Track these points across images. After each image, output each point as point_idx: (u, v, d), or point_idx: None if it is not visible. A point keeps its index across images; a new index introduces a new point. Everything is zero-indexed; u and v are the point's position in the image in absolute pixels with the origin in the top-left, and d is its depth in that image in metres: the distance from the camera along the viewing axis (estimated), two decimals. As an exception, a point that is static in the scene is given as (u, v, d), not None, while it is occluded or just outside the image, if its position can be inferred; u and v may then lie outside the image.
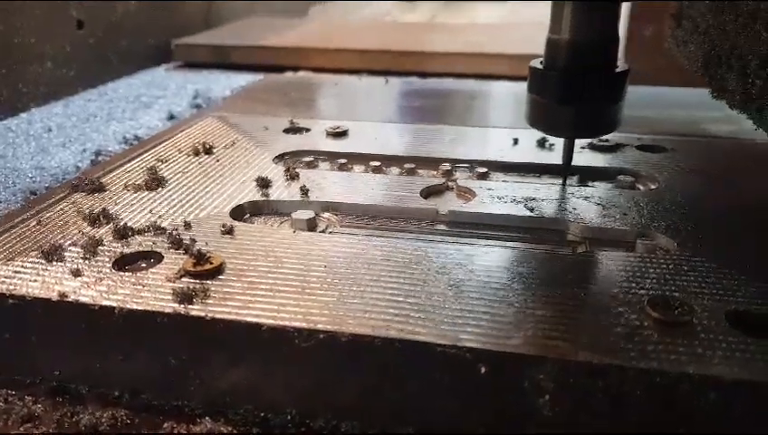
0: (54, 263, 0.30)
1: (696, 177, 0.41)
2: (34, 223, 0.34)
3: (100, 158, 0.54)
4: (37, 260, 0.30)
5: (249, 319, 0.26)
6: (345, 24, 1.04)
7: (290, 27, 1.03)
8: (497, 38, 0.95)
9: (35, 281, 0.28)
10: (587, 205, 0.37)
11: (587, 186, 0.41)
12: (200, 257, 0.29)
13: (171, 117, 0.66)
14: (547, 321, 0.26)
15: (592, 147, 0.46)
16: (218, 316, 0.26)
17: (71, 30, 0.72)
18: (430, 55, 0.85)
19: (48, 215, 0.35)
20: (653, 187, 0.40)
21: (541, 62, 0.37)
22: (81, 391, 0.28)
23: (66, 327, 0.27)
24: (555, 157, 0.45)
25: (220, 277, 0.29)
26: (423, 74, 0.85)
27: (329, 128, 0.50)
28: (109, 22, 0.79)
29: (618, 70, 0.36)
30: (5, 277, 0.29)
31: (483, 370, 0.24)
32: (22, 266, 0.29)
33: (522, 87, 0.40)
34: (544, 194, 0.38)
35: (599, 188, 0.40)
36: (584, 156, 0.45)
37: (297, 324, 0.25)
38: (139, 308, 0.26)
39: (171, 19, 0.92)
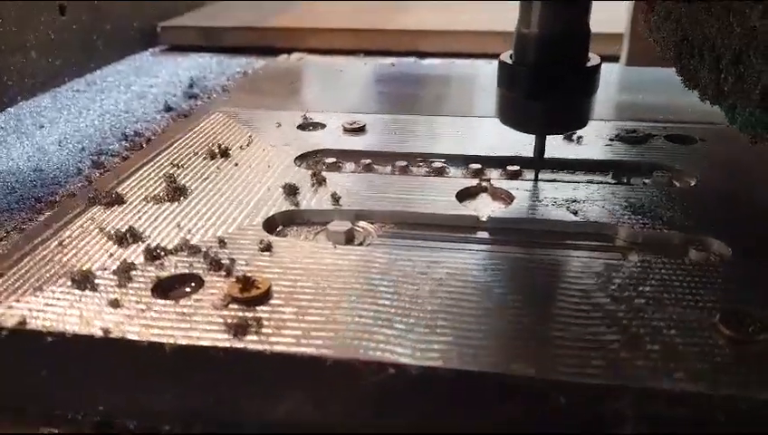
0: (87, 291, 0.28)
1: (733, 170, 0.40)
2: (56, 244, 0.32)
3: (102, 158, 0.51)
4: (68, 289, 0.28)
5: (311, 351, 0.24)
6: (337, 3, 1.01)
7: (279, 7, 0.99)
8: (499, 15, 0.92)
9: (72, 314, 0.26)
10: (629, 206, 0.36)
11: (623, 183, 0.40)
12: (246, 282, 0.28)
13: (168, 108, 0.63)
14: (619, 343, 0.25)
15: (621, 138, 0.45)
16: (277, 349, 0.24)
17: (54, 16, 0.68)
18: (430, 34, 0.83)
19: (69, 234, 0.32)
20: (692, 183, 0.39)
21: (510, 56, 0.36)
22: (129, 425, 0.26)
23: (110, 363, 0.26)
24: (585, 151, 0.44)
25: (269, 303, 0.27)
26: (422, 54, 0.83)
27: (345, 123, 0.48)
28: (91, 5, 0.75)
29: (589, 64, 0.35)
30: (38, 310, 0.27)
31: (562, 400, 0.23)
32: (53, 297, 0.27)
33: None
34: (584, 194, 0.37)
35: (637, 187, 0.39)
36: (614, 149, 0.44)
37: (364, 356, 0.24)
38: (191, 343, 0.25)
39: (154, 1, 0.88)
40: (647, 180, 0.41)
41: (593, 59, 0.35)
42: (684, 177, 0.41)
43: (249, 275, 0.28)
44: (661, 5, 0.40)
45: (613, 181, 0.40)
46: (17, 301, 0.27)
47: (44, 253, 0.31)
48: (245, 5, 1.01)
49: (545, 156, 0.38)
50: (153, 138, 0.56)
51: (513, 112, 0.37)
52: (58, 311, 0.27)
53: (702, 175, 0.40)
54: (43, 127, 0.59)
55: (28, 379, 0.26)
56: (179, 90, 0.69)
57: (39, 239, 0.32)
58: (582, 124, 0.37)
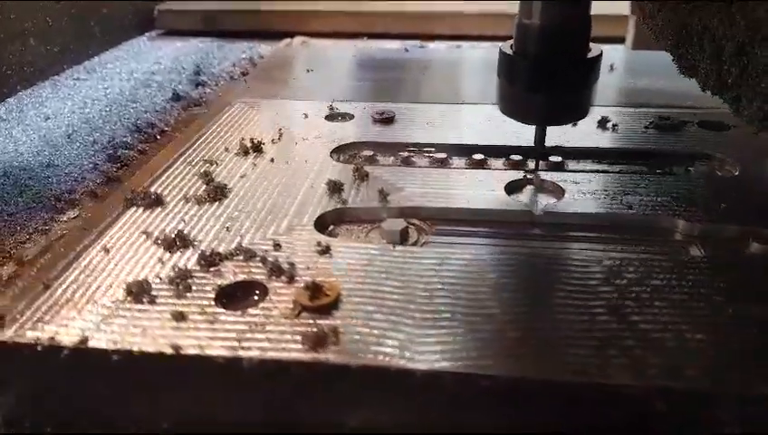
0: (146, 303, 0.26)
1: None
2: (100, 250, 0.30)
3: (118, 152, 0.49)
4: (125, 301, 0.26)
5: (398, 363, 0.23)
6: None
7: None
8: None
9: (135, 330, 0.25)
10: (681, 198, 0.35)
11: (667, 173, 0.39)
12: (315, 288, 0.26)
13: (177, 97, 0.61)
14: (712, 347, 0.24)
15: (656, 126, 0.44)
16: (361, 363, 0.23)
17: (50, 2, 0.65)
18: (436, 16, 0.81)
19: (112, 239, 0.31)
20: (735, 172, 0.39)
21: (511, 46, 0.35)
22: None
23: (180, 380, 0.24)
24: (620, 139, 0.43)
25: (341, 310, 0.26)
26: (428, 37, 0.81)
27: (374, 113, 0.46)
28: (88, -11, 0.72)
29: (590, 55, 0.34)
30: (97, 325, 0.25)
31: (659, 407, 0.23)
32: (110, 310, 0.26)
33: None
34: (633, 186, 0.36)
35: (681, 177, 0.38)
36: (650, 136, 0.43)
37: (450, 367, 0.23)
38: (270, 357, 0.24)
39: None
40: (690, 168, 0.40)
41: (594, 49, 0.35)
42: (725, 165, 0.40)
43: (316, 280, 0.27)
44: None
45: (657, 171, 0.40)
46: (71, 316, 0.26)
47: (90, 260, 0.29)
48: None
49: (548, 142, 0.37)
50: (166, 129, 0.54)
51: (513, 103, 0.36)
52: (119, 326, 0.25)
53: (743, 164, 0.39)
54: (48, 118, 0.56)
55: (92, 400, 0.25)
56: (184, 77, 0.67)
57: (81, 245, 0.30)
58: (583, 115, 0.36)
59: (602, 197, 0.35)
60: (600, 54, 0.34)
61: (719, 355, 0.24)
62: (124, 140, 0.52)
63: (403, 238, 0.32)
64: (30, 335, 0.24)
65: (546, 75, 0.34)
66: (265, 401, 0.24)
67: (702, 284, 0.28)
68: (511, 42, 0.35)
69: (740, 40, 0.30)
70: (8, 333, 0.24)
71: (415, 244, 0.32)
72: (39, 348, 0.24)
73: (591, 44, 0.35)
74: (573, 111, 0.36)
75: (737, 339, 0.24)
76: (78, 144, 0.51)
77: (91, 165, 0.48)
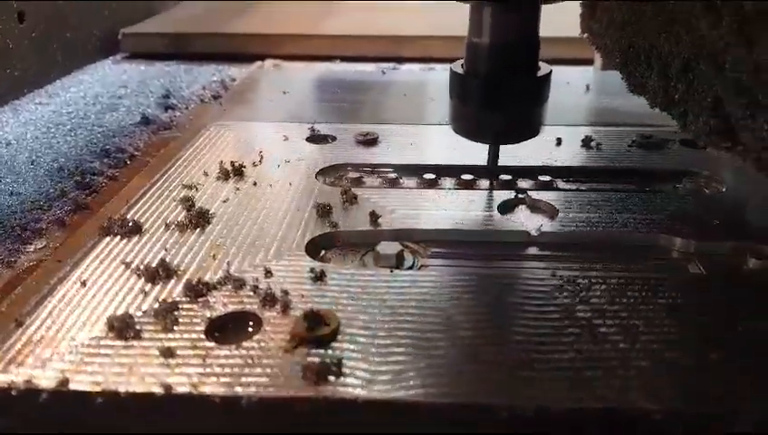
0: (130, 339, 0.24)
1: (756, 174, 0.40)
2: (75, 282, 0.28)
3: (87, 178, 0.46)
4: (108, 337, 0.24)
5: (407, 396, 0.22)
6: (305, 7, 0.98)
7: (243, 12, 0.95)
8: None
9: (120, 368, 0.23)
10: (672, 215, 0.35)
11: (657, 191, 0.39)
12: (314, 318, 0.25)
13: (147, 121, 0.58)
14: (726, 368, 0.23)
15: (638, 145, 0.44)
16: (370, 397, 0.22)
17: (12, 24, 0.63)
18: (407, 39, 0.81)
19: (88, 271, 0.29)
20: (722, 189, 0.39)
21: (462, 66, 0.35)
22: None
23: (173, 422, 0.22)
24: (604, 158, 0.43)
25: (341, 340, 0.24)
26: (399, 59, 0.81)
27: (357, 135, 0.45)
28: (51, 12, 0.69)
29: (540, 73, 0.35)
30: (77, 364, 0.23)
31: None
32: (93, 348, 0.24)
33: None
34: (624, 204, 0.36)
35: (669, 194, 0.38)
36: (635, 156, 0.43)
37: (466, 400, 0.22)
38: (271, 395, 0.22)
39: (113, 5, 0.83)
40: (678, 186, 0.40)
41: (543, 68, 0.35)
42: (712, 182, 0.40)
43: (315, 310, 0.25)
44: (603, 12, 0.39)
45: (645, 189, 0.39)
46: (49, 355, 0.23)
47: (66, 294, 0.27)
48: (208, 9, 0.97)
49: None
50: (137, 153, 0.51)
51: (466, 122, 0.36)
52: (102, 365, 0.23)
53: (729, 180, 0.39)
54: (9, 144, 0.53)
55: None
56: (152, 100, 0.65)
57: (55, 278, 0.28)
58: (535, 133, 0.36)
59: (597, 215, 0.35)
60: (550, 72, 0.35)
61: (735, 373, 0.23)
62: (92, 165, 0.49)
63: (399, 262, 0.31)
64: (2, 378, 0.22)
65: (496, 93, 0.34)
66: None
67: (707, 301, 0.27)
68: (461, 61, 0.35)
69: (685, 56, 0.31)
70: (-22, 377, 0.22)
71: (411, 267, 0.31)
72: (14, 392, 0.22)
73: (541, 63, 0.35)
74: (525, 129, 0.36)
75: (750, 356, 0.24)
76: (43, 170, 0.49)
77: (57, 192, 0.45)
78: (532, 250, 0.33)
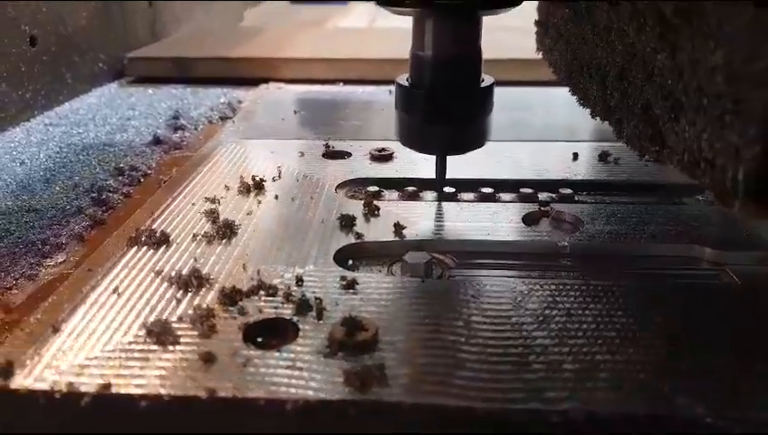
0: (169, 345, 0.24)
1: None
2: (108, 290, 0.28)
3: (103, 195, 0.46)
4: (146, 342, 0.24)
5: (455, 402, 0.22)
6: (305, 32, 0.99)
7: (247, 36, 0.96)
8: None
9: (160, 373, 0.23)
10: (699, 226, 0.35)
11: (680, 203, 0.40)
12: (352, 325, 0.25)
13: (158, 141, 0.59)
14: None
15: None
16: (415, 401, 0.22)
17: (24, 47, 0.63)
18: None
19: (123, 280, 0.29)
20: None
21: (407, 79, 0.36)
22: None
23: (216, 425, 0.22)
24: (623, 172, 0.43)
25: (380, 347, 0.24)
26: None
27: (373, 150, 0.45)
28: (61, 36, 0.70)
29: (483, 84, 0.36)
30: (117, 369, 0.23)
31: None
32: (131, 353, 0.24)
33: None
34: (650, 216, 0.36)
35: (693, 205, 0.39)
36: (652, 169, 0.43)
37: (511, 405, 0.22)
38: (316, 398, 0.22)
39: (120, 31, 0.84)
40: (700, 197, 0.40)
41: (487, 79, 0.36)
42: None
43: (353, 316, 0.25)
44: (553, 28, 0.40)
45: (668, 202, 0.40)
46: (88, 359, 0.23)
47: (99, 301, 0.27)
48: (212, 34, 0.98)
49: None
50: (149, 172, 0.52)
51: (413, 135, 0.36)
52: (143, 369, 0.23)
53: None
54: (23, 163, 0.53)
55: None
56: (161, 121, 0.65)
57: (88, 286, 0.28)
58: (481, 144, 0.37)
59: (624, 228, 0.35)
60: (493, 83, 0.36)
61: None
62: (107, 183, 0.49)
63: (427, 272, 0.31)
64: (44, 382, 0.22)
65: (440, 105, 0.35)
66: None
67: (745, 310, 0.27)
68: (407, 75, 0.36)
69: (620, 65, 0.31)
70: (20, 380, 0.22)
71: (440, 277, 0.31)
72: (57, 395, 0.21)
73: (484, 75, 0.36)
74: (471, 140, 0.36)
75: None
76: (58, 188, 0.49)
77: (74, 208, 0.45)
78: (562, 262, 0.33)
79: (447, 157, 0.38)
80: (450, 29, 0.33)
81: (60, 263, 0.38)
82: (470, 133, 0.36)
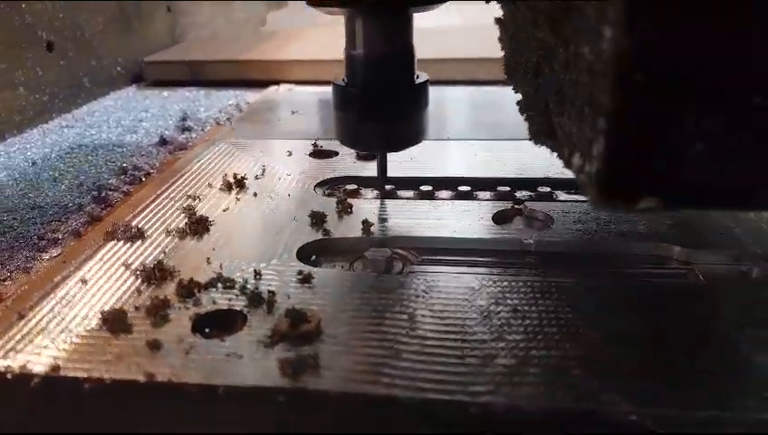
0: (121, 332, 0.26)
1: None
2: (78, 281, 0.29)
3: (103, 193, 0.48)
4: (100, 330, 0.26)
5: (380, 391, 0.22)
6: (317, 34, 1.01)
7: (261, 39, 0.98)
8: (485, 42, 0.93)
9: (108, 358, 0.24)
10: (673, 225, 0.35)
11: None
12: (295, 316, 0.26)
13: (164, 142, 0.61)
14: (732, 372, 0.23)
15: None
16: (343, 390, 0.23)
17: (41, 52, 0.66)
18: (421, 62, 0.82)
19: (92, 271, 0.30)
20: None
21: (343, 79, 0.36)
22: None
23: (157, 410, 0.23)
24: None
25: (322, 338, 0.25)
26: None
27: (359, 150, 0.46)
28: (78, 42, 0.73)
29: (418, 81, 0.36)
30: (69, 354, 0.24)
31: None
32: (84, 339, 0.25)
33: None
34: (622, 214, 0.36)
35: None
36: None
37: (437, 396, 0.22)
38: (248, 384, 0.23)
39: (138, 36, 0.87)
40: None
41: (421, 76, 0.36)
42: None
43: (297, 308, 0.26)
44: (501, 24, 0.40)
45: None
46: (45, 344, 0.25)
47: (67, 291, 0.29)
48: (227, 38, 1.01)
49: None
50: (152, 171, 0.54)
51: (350, 133, 0.37)
52: (92, 355, 0.24)
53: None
54: (35, 163, 0.56)
55: (63, 430, 0.24)
56: (171, 123, 0.67)
57: (59, 277, 0.30)
58: (419, 140, 0.37)
59: (594, 226, 0.35)
60: (427, 81, 0.36)
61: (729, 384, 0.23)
62: (109, 182, 0.51)
63: (388, 268, 0.32)
64: (1, 364, 0.23)
65: (375, 103, 0.35)
66: (242, 430, 0.23)
67: (708, 310, 0.27)
68: (344, 75, 0.36)
69: (535, 60, 0.31)
70: (-24, 363, 0.23)
71: (400, 273, 0.32)
72: (9, 377, 0.23)
73: (418, 72, 0.36)
74: (407, 137, 0.37)
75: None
76: (64, 187, 0.51)
77: (75, 206, 0.47)
78: (526, 259, 0.33)
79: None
80: (379, 27, 0.34)
81: (54, 257, 0.40)
82: (406, 130, 0.36)
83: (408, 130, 0.36)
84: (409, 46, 0.36)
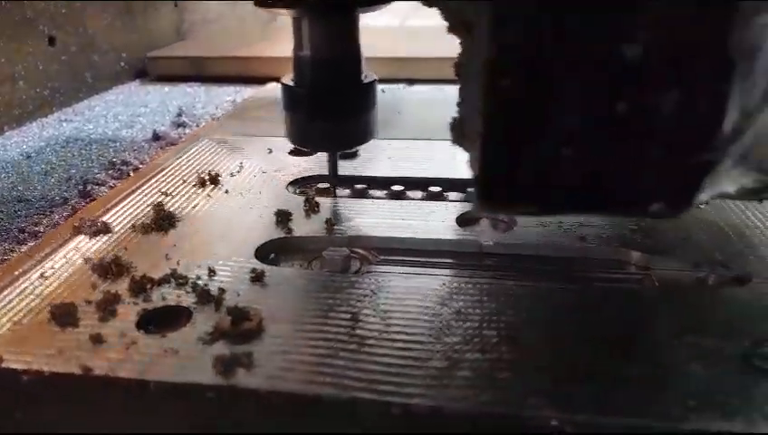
0: (68, 326, 0.26)
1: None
2: (38, 275, 0.30)
3: (88, 187, 0.50)
4: (49, 323, 0.26)
5: (306, 391, 0.23)
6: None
7: (266, 36, 0.99)
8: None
9: (51, 351, 0.25)
10: (637, 230, 0.34)
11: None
12: (237, 314, 0.26)
13: (156, 137, 0.62)
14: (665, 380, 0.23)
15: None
16: (270, 388, 0.23)
17: (42, 47, 0.68)
18: (420, 61, 0.82)
19: (51, 265, 0.31)
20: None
21: (292, 79, 0.36)
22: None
23: (91, 403, 0.24)
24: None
25: (262, 337, 0.26)
26: (411, 81, 0.82)
27: (339, 148, 0.46)
28: (81, 37, 0.74)
29: (365, 81, 0.36)
30: (14, 346, 0.25)
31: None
32: (33, 332, 0.26)
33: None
34: (587, 218, 0.36)
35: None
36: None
37: (364, 396, 0.22)
38: (177, 381, 0.23)
39: (143, 31, 0.88)
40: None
41: (369, 76, 0.36)
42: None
43: (240, 306, 0.26)
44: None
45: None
46: (-7, 337, 0.26)
47: (25, 285, 0.29)
48: (231, 34, 1.01)
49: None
50: (141, 166, 0.54)
51: (299, 133, 0.37)
52: (37, 347, 0.25)
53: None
54: (29, 157, 0.57)
55: (2, 421, 0.24)
56: (168, 119, 0.68)
57: (20, 270, 0.30)
58: (367, 139, 0.38)
59: (556, 229, 0.35)
60: (375, 80, 0.36)
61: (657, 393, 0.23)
62: (97, 176, 0.53)
63: (345, 267, 0.32)
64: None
65: (323, 103, 0.36)
66: (170, 425, 0.24)
67: (653, 316, 0.27)
68: (291, 75, 0.37)
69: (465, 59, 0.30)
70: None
71: (356, 273, 0.32)
72: (-50, 368, 0.24)
73: (366, 72, 0.37)
74: (356, 136, 0.37)
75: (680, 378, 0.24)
76: (53, 180, 0.52)
77: (61, 200, 0.48)
78: (485, 262, 0.33)
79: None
80: (324, 28, 0.34)
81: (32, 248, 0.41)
82: (353, 130, 0.36)
83: (356, 129, 0.37)
84: (356, 46, 0.36)
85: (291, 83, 0.36)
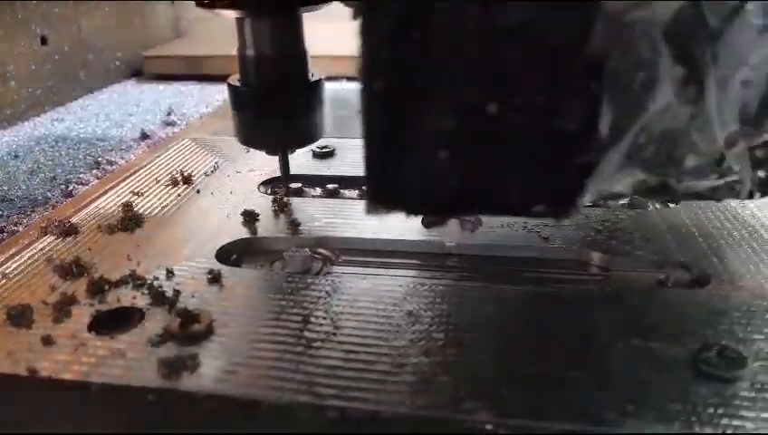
0: (22, 327, 0.27)
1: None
2: (-1, 277, 0.31)
3: (70, 187, 0.50)
4: (3, 325, 0.27)
5: (246, 395, 0.23)
6: (315, 30, 1.01)
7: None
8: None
9: (2, 352, 0.25)
10: (602, 230, 0.34)
11: (592, 207, 0.39)
12: (186, 316, 0.26)
13: (144, 136, 0.62)
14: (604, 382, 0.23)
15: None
16: (212, 392, 0.23)
17: (35, 46, 0.68)
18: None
19: (15, 265, 0.31)
20: (650, 207, 0.38)
21: (238, 80, 0.36)
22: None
23: (36, 404, 0.24)
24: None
25: (211, 339, 0.26)
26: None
27: (315, 147, 0.47)
28: (74, 36, 0.75)
29: (312, 80, 0.36)
30: (-33, 348, 0.25)
31: None
32: (-14, 334, 0.26)
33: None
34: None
35: (601, 211, 0.38)
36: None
37: (303, 399, 0.22)
38: (120, 383, 0.23)
39: (140, 30, 0.88)
40: (608, 202, 0.39)
41: (315, 75, 0.36)
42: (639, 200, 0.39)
43: (192, 308, 0.27)
44: None
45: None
46: (-52, 338, 0.26)
47: (-14, 286, 0.30)
48: (228, 32, 1.01)
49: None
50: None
51: (247, 133, 0.37)
52: (-12, 348, 0.25)
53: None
54: (17, 157, 0.58)
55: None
56: (158, 118, 0.69)
57: (-17, 272, 0.31)
58: (315, 139, 0.38)
59: (520, 229, 0.35)
60: (321, 80, 0.36)
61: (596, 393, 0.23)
62: (81, 176, 0.53)
63: (306, 268, 0.32)
64: None
65: (269, 103, 0.35)
66: (113, 427, 0.24)
67: (604, 318, 0.27)
68: (237, 76, 0.37)
69: None
70: None
71: (318, 273, 0.32)
72: None
73: (313, 71, 0.36)
74: (302, 136, 0.37)
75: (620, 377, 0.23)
76: (38, 180, 0.53)
77: (43, 199, 0.49)
78: (448, 262, 0.33)
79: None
80: (267, 27, 0.34)
81: (9, 249, 0.41)
82: (299, 129, 0.36)
83: (302, 128, 0.36)
84: (301, 46, 0.36)
85: (237, 83, 0.36)
